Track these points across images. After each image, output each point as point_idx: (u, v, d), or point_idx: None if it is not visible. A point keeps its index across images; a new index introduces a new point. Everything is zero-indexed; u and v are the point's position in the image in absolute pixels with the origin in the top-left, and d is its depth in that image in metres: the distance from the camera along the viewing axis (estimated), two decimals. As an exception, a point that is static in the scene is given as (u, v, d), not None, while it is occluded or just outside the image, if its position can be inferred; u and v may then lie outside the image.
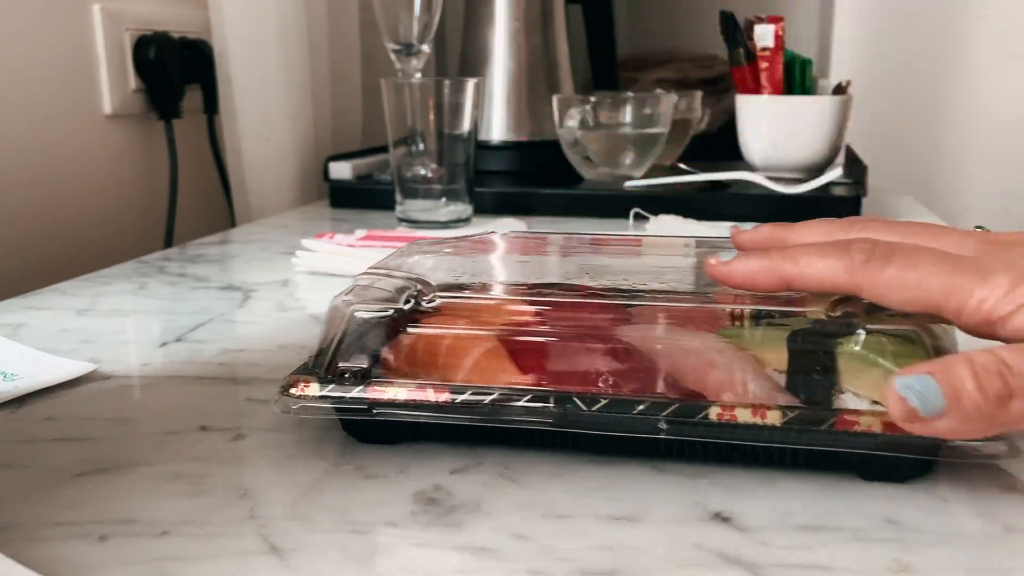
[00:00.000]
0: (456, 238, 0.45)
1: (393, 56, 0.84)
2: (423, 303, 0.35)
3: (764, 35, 0.87)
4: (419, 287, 0.36)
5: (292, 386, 0.34)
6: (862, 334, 0.31)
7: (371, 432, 0.35)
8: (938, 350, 0.31)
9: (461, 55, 1.02)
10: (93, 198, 0.83)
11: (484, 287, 0.37)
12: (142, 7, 0.88)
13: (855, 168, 0.89)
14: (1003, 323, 0.29)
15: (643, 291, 0.36)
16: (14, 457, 0.34)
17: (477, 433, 0.33)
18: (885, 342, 0.31)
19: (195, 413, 0.38)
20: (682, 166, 0.93)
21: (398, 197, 0.80)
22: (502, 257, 0.44)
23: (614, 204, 0.82)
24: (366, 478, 0.32)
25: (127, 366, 0.45)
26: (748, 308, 0.34)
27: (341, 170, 0.92)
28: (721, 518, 0.29)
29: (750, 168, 0.90)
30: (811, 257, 0.32)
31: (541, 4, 0.99)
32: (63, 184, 0.80)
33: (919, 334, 0.31)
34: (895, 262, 0.30)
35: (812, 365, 0.31)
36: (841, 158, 0.93)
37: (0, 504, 0.30)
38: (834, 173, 0.81)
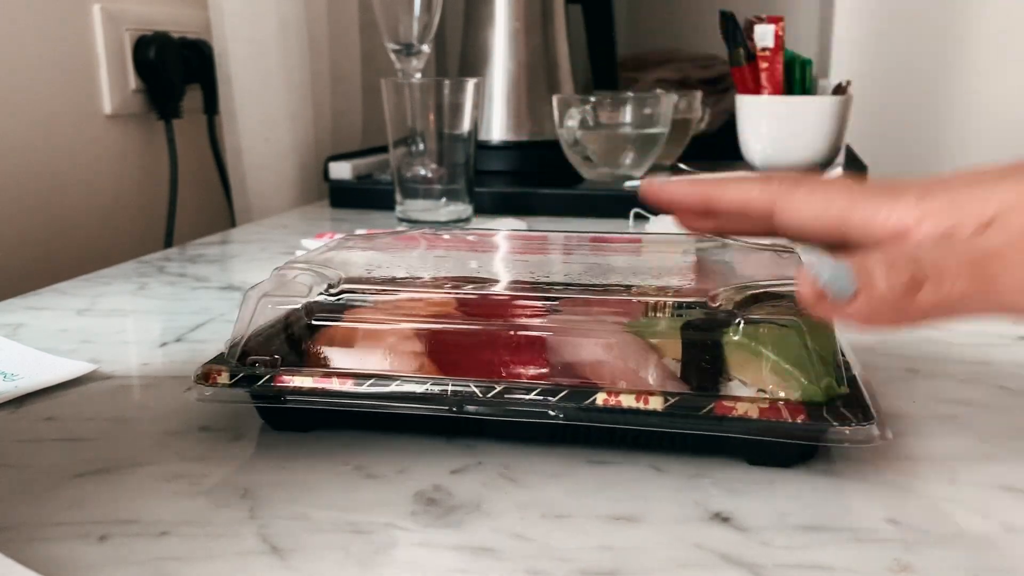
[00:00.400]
0: (386, 233, 0.46)
1: (393, 56, 0.84)
2: (331, 295, 0.35)
3: (764, 35, 0.87)
4: (330, 280, 0.36)
5: (206, 375, 0.34)
6: (741, 323, 0.32)
7: (284, 420, 0.36)
8: (815, 339, 0.31)
9: (461, 55, 1.02)
10: (93, 198, 0.83)
11: (397, 281, 0.37)
12: (142, 7, 0.88)
13: (855, 168, 0.89)
14: (911, 233, 0.29)
15: (553, 284, 0.36)
16: (14, 457, 0.34)
17: (387, 422, 0.34)
18: (763, 331, 0.32)
19: (195, 413, 0.38)
20: (682, 166, 0.93)
21: (398, 197, 0.80)
22: (424, 253, 0.44)
23: (614, 204, 0.82)
24: (366, 478, 0.32)
25: (127, 366, 0.45)
26: (665, 300, 0.34)
27: (341, 170, 0.92)
28: (721, 518, 0.29)
29: (750, 168, 0.90)
30: (733, 181, 0.33)
31: (541, 4, 0.99)
32: (63, 184, 0.80)
33: (797, 324, 0.32)
34: (806, 183, 0.32)
35: (701, 354, 0.32)
36: (841, 158, 0.93)
37: (0, 504, 0.30)
38: (834, 173, 0.81)
